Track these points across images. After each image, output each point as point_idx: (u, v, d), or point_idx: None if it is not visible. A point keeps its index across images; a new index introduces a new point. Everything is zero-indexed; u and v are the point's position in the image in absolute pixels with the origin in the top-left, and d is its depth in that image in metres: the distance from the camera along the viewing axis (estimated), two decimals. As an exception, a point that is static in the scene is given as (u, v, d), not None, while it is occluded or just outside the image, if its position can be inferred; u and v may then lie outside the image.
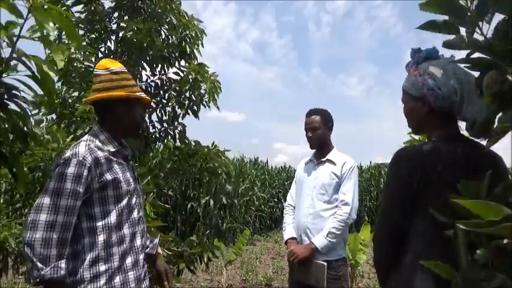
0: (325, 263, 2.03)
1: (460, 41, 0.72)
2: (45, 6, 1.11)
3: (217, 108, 3.18)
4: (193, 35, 3.02)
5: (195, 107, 3.10)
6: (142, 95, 1.46)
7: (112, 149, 1.39)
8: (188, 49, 3.01)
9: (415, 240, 1.05)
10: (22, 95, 1.24)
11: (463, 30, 0.75)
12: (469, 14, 0.71)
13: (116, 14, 2.97)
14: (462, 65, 0.94)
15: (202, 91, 3.06)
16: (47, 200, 1.20)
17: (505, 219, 0.51)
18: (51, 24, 1.12)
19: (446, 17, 0.77)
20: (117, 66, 1.44)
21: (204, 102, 3.11)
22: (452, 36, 0.75)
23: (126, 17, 2.91)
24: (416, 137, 2.25)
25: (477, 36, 0.72)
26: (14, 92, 1.20)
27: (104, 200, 1.32)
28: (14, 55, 1.14)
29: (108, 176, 1.32)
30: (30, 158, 2.15)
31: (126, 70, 1.47)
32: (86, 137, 1.39)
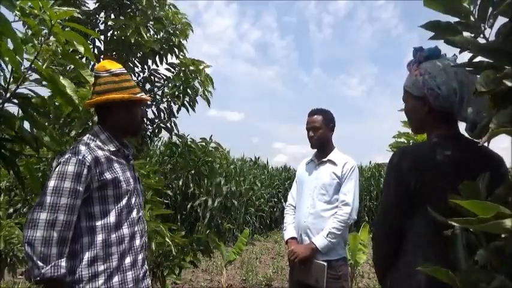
0: (325, 263, 2.03)
1: (463, 40, 0.72)
2: (67, 28, 1.17)
3: (208, 103, 3.13)
4: (180, 28, 3.00)
5: (191, 102, 3.09)
6: (143, 95, 1.47)
7: (112, 148, 1.39)
8: (176, 41, 2.98)
9: (414, 240, 1.05)
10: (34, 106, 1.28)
11: (466, 34, 0.75)
12: (471, 18, 0.71)
13: (102, 14, 2.95)
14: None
15: (197, 84, 3.04)
16: (47, 199, 1.21)
17: (496, 217, 0.52)
18: (76, 42, 1.18)
19: (448, 18, 0.77)
20: (117, 67, 1.44)
21: (199, 96, 3.10)
22: None
23: (112, 16, 2.89)
24: (402, 140, 2.27)
25: (480, 40, 0.72)
26: (29, 101, 1.23)
27: (104, 199, 1.32)
28: (33, 66, 1.18)
29: (108, 175, 1.32)
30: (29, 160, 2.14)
31: (125, 71, 1.48)
32: (87, 136, 1.39)
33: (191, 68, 2.99)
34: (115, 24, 2.65)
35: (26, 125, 1.36)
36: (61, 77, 1.17)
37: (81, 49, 1.19)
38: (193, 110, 3.12)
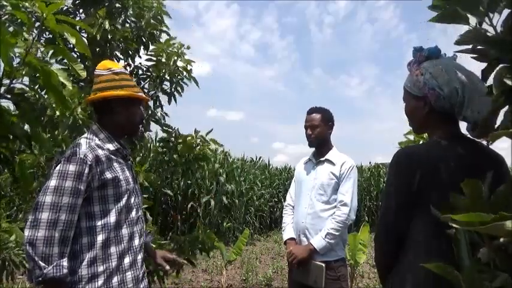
0: (323, 264, 2.03)
1: (472, 35, 0.71)
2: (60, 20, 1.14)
3: (196, 84, 3.06)
4: (156, 14, 2.92)
5: (178, 88, 3.03)
6: (143, 95, 1.47)
7: (112, 148, 1.39)
8: (153, 31, 2.91)
9: (415, 241, 1.04)
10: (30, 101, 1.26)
11: (472, 21, 0.73)
12: (480, 7, 0.70)
13: (81, 10, 2.87)
14: (468, 57, 0.93)
15: (180, 68, 2.97)
16: (48, 199, 1.20)
17: (497, 219, 0.52)
18: (68, 34, 1.15)
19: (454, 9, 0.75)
20: (117, 67, 1.47)
21: (184, 81, 3.03)
22: (463, 30, 0.73)
23: (90, 11, 2.80)
24: (412, 137, 2.25)
25: (486, 27, 0.70)
26: (23, 96, 1.21)
27: (104, 198, 1.31)
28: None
29: (108, 175, 1.32)
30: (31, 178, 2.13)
31: (125, 71, 1.50)
32: (86, 135, 1.39)
33: (165, 56, 2.92)
34: (88, 21, 2.59)
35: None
36: (52, 67, 1.14)
37: (73, 41, 1.14)
38: (180, 94, 3.06)
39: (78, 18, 2.85)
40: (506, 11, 0.67)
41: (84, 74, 1.24)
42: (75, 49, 2.79)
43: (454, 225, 0.56)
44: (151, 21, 2.91)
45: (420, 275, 0.98)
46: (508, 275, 0.59)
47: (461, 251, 0.69)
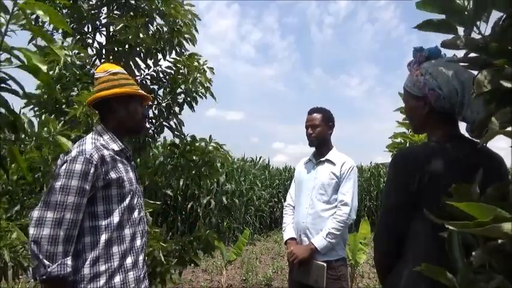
0: (324, 264, 2.03)
1: (458, 41, 0.71)
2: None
3: (214, 98, 3.10)
4: (186, 22, 2.94)
5: (191, 101, 3.06)
6: (141, 91, 1.48)
7: (116, 148, 1.41)
8: (178, 39, 2.94)
9: (414, 242, 1.04)
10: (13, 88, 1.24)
11: (461, 30, 0.74)
12: (466, 13, 0.71)
13: (105, 9, 2.90)
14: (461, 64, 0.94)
15: (197, 84, 3.01)
16: (54, 197, 1.21)
17: (494, 220, 0.51)
18: (41, 12, 1.10)
19: (443, 17, 0.76)
20: (115, 68, 1.49)
21: (199, 94, 3.07)
22: (450, 36, 0.74)
23: (116, 12, 2.84)
24: (398, 140, 2.27)
25: (475, 35, 0.71)
26: (4, 84, 1.19)
27: (108, 198, 1.33)
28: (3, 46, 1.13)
29: (113, 175, 1.33)
30: (25, 163, 2.13)
31: (124, 71, 1.51)
32: (91, 135, 1.40)
33: (188, 68, 2.95)
34: (116, 24, 2.62)
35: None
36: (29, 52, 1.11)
37: (46, 18, 1.08)
38: (193, 108, 3.10)
39: (100, 15, 2.89)
40: (492, 19, 0.68)
41: (62, 53, 1.20)
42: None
43: (450, 227, 0.56)
44: (184, 35, 2.93)
45: (420, 275, 0.99)
46: (504, 277, 0.59)
47: (454, 253, 0.69)
